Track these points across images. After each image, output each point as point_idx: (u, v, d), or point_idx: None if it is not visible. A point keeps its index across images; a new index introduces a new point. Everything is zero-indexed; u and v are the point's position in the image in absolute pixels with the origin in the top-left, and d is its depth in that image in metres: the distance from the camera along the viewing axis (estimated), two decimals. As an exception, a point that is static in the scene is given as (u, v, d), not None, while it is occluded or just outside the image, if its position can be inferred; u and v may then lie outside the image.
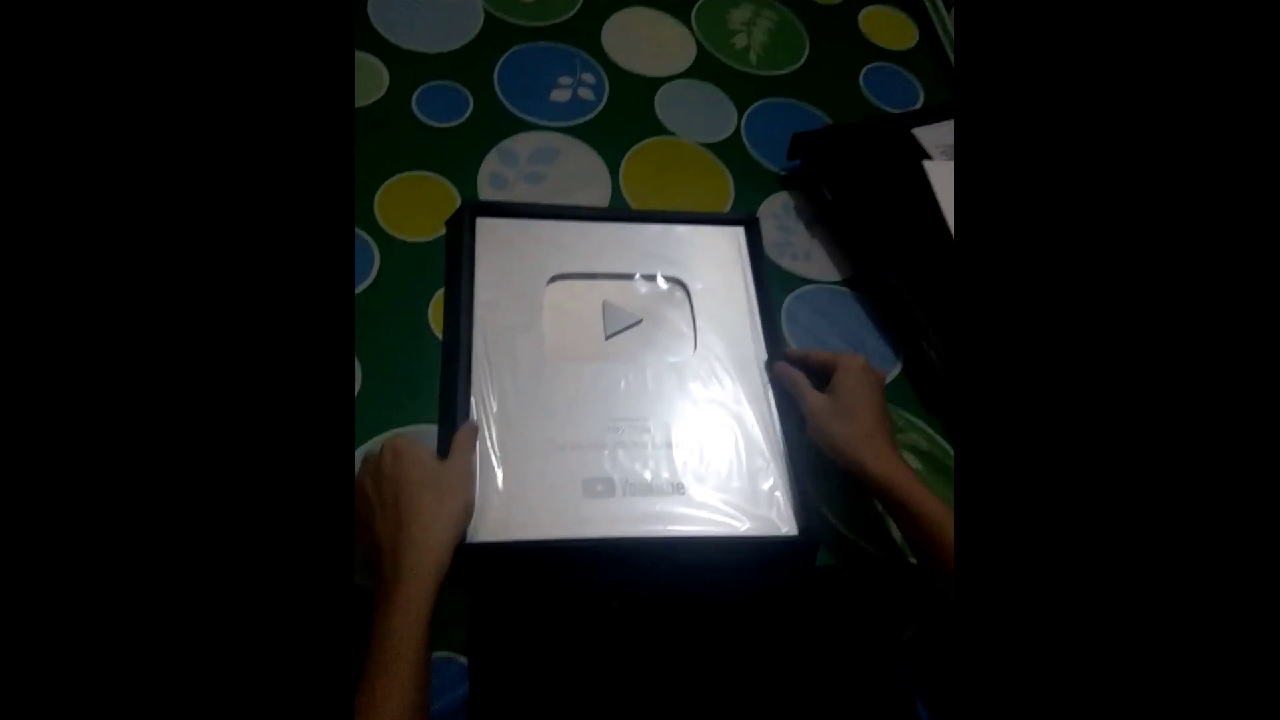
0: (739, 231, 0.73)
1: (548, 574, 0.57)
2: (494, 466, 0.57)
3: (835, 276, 0.77)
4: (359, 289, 0.68)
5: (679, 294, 0.69)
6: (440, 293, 0.69)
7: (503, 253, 0.68)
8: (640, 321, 0.67)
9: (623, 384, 0.62)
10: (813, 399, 0.59)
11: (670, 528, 0.56)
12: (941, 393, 0.70)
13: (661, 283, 0.69)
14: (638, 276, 0.69)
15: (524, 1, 0.91)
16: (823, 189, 0.78)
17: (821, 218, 0.80)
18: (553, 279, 0.67)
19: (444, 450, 0.57)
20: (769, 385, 0.65)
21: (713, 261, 0.71)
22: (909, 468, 0.55)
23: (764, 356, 0.66)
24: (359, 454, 0.58)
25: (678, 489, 0.58)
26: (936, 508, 0.51)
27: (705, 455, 0.60)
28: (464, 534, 0.52)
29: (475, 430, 0.58)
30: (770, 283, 0.70)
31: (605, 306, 0.67)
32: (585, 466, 0.58)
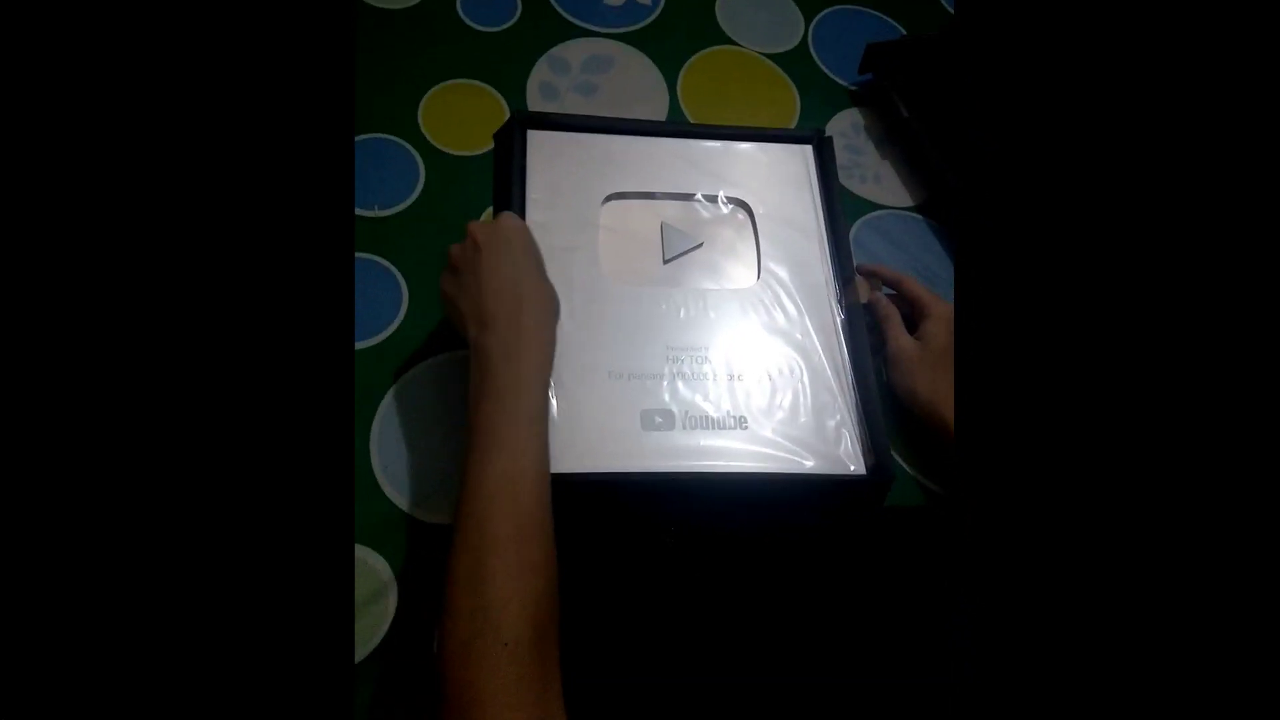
0: (806, 150, 0.68)
1: (606, 508, 0.55)
2: (548, 395, 0.55)
3: (907, 202, 0.72)
4: (405, 204, 0.65)
5: (741, 216, 0.65)
6: (489, 210, 0.65)
7: (554, 169, 0.64)
8: (700, 245, 0.63)
9: (682, 312, 0.59)
10: (903, 341, 0.57)
11: (733, 464, 0.54)
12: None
13: (723, 204, 0.65)
14: (698, 197, 0.65)
15: (577, -106, 0.84)
16: (898, 105, 0.72)
17: (893, 137, 0.74)
18: (608, 198, 0.63)
19: None
20: (838, 315, 0.61)
21: (778, 182, 0.66)
22: None
23: (833, 285, 0.62)
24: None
25: (740, 423, 0.55)
26: None
27: (769, 389, 0.57)
28: None
29: None
30: (842, 206, 0.65)
31: (664, 228, 0.63)
32: (644, 397, 0.55)
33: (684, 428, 0.55)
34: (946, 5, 0.85)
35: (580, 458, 0.53)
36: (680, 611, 0.53)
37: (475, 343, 0.47)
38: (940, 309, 0.58)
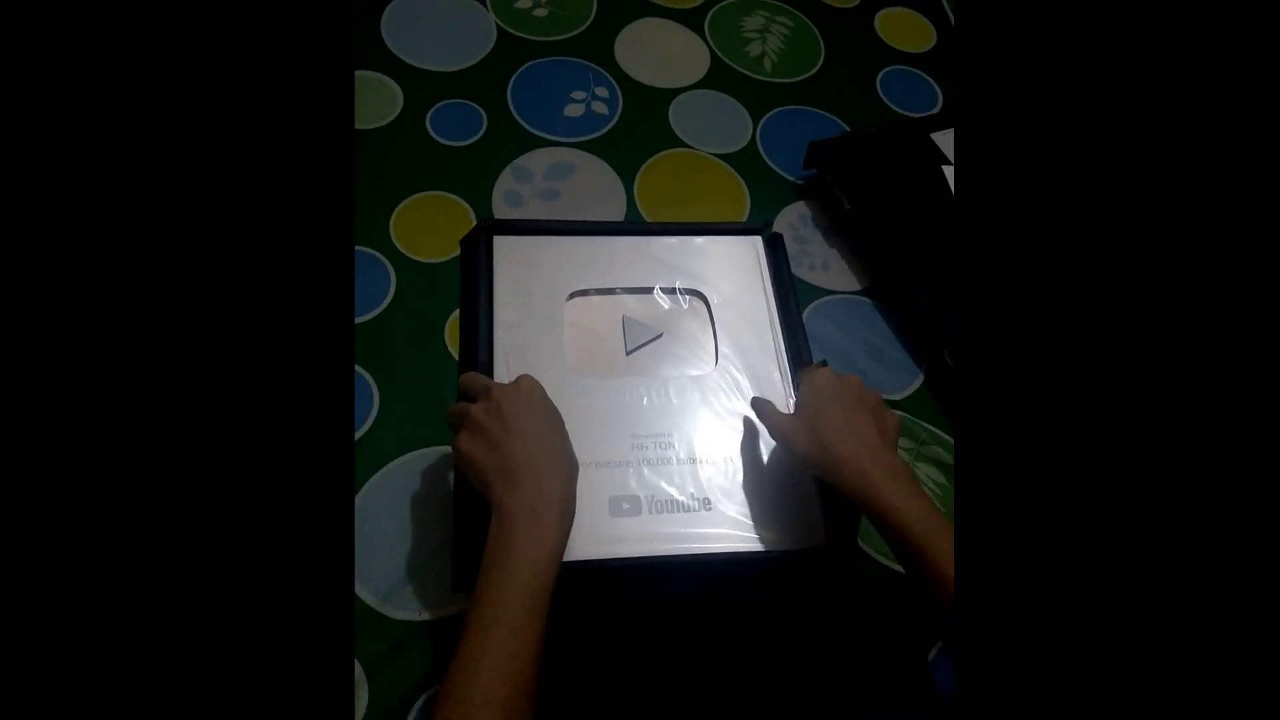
0: (756, 241, 0.72)
1: (576, 596, 0.57)
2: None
3: (855, 286, 0.76)
4: (376, 311, 0.69)
5: (699, 306, 0.68)
6: (455, 313, 0.68)
7: (519, 271, 0.68)
8: (661, 335, 0.66)
9: (645, 400, 0.62)
10: (774, 419, 0.56)
11: (700, 545, 0.56)
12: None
13: (681, 295, 0.68)
14: (657, 290, 0.68)
15: (536, 16, 0.91)
16: (840, 198, 0.77)
17: (839, 227, 0.79)
18: (572, 295, 0.67)
19: None
20: (792, 395, 0.64)
21: (731, 272, 0.70)
22: (893, 464, 0.50)
23: (787, 366, 0.65)
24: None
25: (705, 504, 0.57)
26: (910, 504, 0.47)
27: (731, 469, 0.59)
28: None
29: None
30: (793, 291, 0.69)
31: (625, 321, 0.66)
32: (611, 485, 0.57)
33: (651, 512, 0.57)
34: (885, 99, 0.92)
35: None
36: (649, 693, 0.54)
37: (500, 503, 0.46)
38: (806, 374, 0.57)
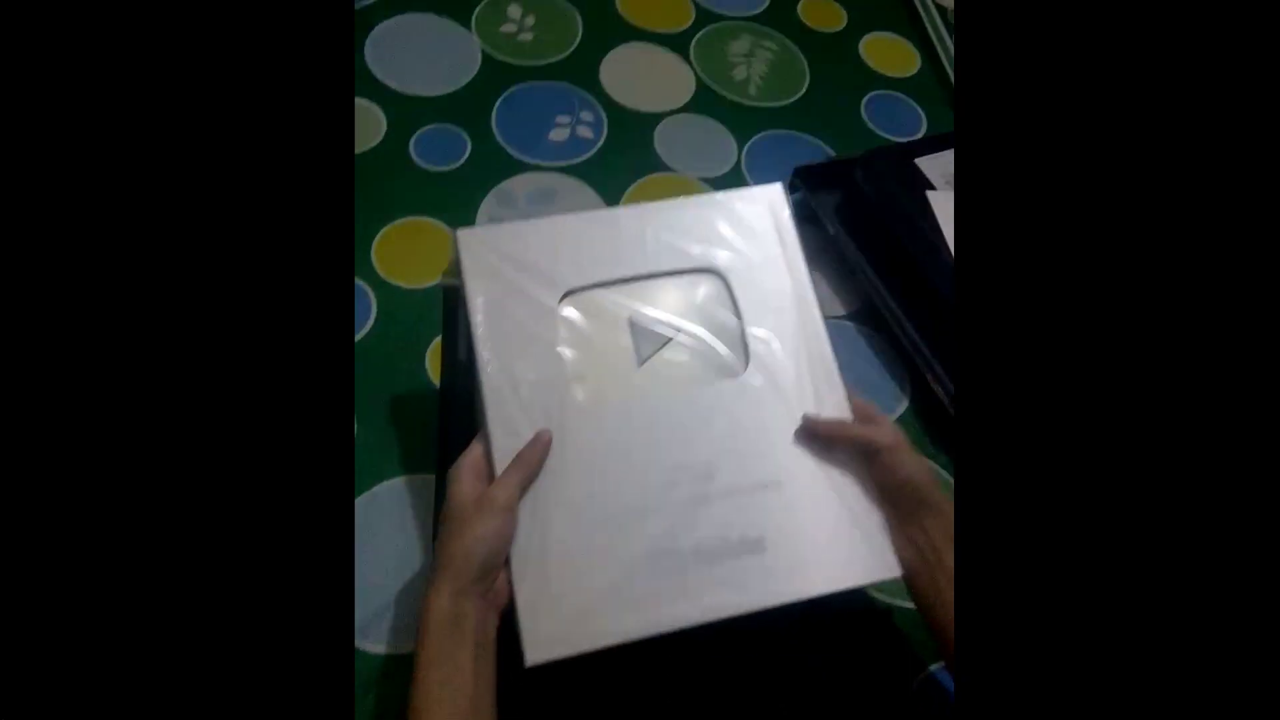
0: (769, 196, 0.58)
1: (621, 673, 0.51)
2: (535, 558, 0.47)
3: (839, 311, 0.76)
4: (357, 337, 0.68)
5: (716, 288, 0.55)
6: (438, 339, 0.68)
7: (502, 279, 0.53)
8: (677, 335, 0.54)
9: (669, 422, 0.51)
10: (886, 431, 0.52)
11: (762, 596, 0.48)
12: (950, 430, 0.68)
13: (693, 276, 0.55)
14: (663, 274, 0.55)
15: (521, 40, 0.91)
16: (824, 222, 0.77)
17: (824, 251, 0.79)
18: (564, 296, 0.53)
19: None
20: (839, 384, 0.54)
21: (747, 241, 0.56)
22: None
23: (829, 352, 0.54)
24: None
25: (757, 546, 0.49)
26: None
27: (784, 497, 0.50)
28: (507, 554, 0.47)
29: (546, 444, 0.49)
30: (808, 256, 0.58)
31: (633, 327, 0.54)
32: (644, 536, 0.48)
33: (697, 563, 0.48)
34: (870, 124, 0.92)
35: (588, 631, 0.47)
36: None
37: None
38: (876, 413, 0.54)
